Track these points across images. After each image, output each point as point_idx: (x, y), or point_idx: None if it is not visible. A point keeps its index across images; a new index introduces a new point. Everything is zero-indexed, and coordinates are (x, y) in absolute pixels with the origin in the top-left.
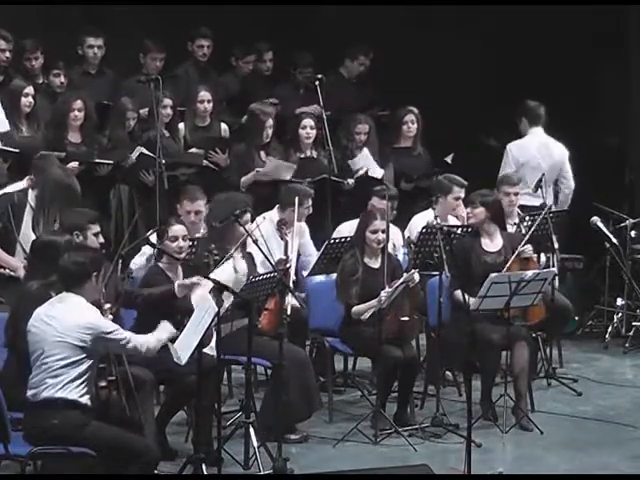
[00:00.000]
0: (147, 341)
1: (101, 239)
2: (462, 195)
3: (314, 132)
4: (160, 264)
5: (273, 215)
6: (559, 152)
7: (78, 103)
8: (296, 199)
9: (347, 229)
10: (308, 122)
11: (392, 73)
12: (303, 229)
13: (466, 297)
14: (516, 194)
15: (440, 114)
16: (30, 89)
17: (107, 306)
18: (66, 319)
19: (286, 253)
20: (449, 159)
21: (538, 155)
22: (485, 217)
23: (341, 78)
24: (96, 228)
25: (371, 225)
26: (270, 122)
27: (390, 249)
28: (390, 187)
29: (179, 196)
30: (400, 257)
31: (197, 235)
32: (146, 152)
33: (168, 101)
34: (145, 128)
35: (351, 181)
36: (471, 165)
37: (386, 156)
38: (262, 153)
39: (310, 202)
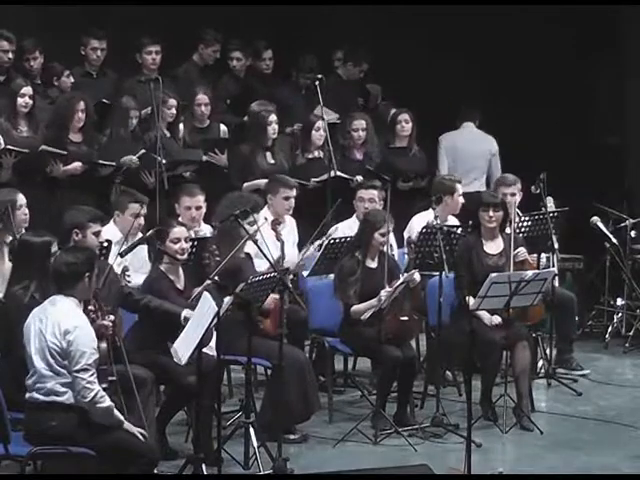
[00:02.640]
0: (104, 398)
1: (101, 238)
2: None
3: (325, 134)
4: (161, 267)
5: (267, 214)
6: None
7: (81, 104)
8: (280, 189)
9: (341, 230)
10: (322, 124)
11: (391, 73)
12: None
13: (466, 298)
14: (513, 194)
15: (438, 115)
16: (27, 89)
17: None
18: (52, 323)
19: (283, 253)
20: None
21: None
22: (501, 220)
23: (339, 79)
24: (97, 227)
25: (382, 228)
26: (273, 117)
27: (391, 248)
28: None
29: (177, 194)
30: (396, 257)
31: (200, 233)
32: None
33: (173, 102)
34: (146, 128)
35: (359, 178)
36: None
37: (383, 155)
38: (268, 154)
39: (293, 193)
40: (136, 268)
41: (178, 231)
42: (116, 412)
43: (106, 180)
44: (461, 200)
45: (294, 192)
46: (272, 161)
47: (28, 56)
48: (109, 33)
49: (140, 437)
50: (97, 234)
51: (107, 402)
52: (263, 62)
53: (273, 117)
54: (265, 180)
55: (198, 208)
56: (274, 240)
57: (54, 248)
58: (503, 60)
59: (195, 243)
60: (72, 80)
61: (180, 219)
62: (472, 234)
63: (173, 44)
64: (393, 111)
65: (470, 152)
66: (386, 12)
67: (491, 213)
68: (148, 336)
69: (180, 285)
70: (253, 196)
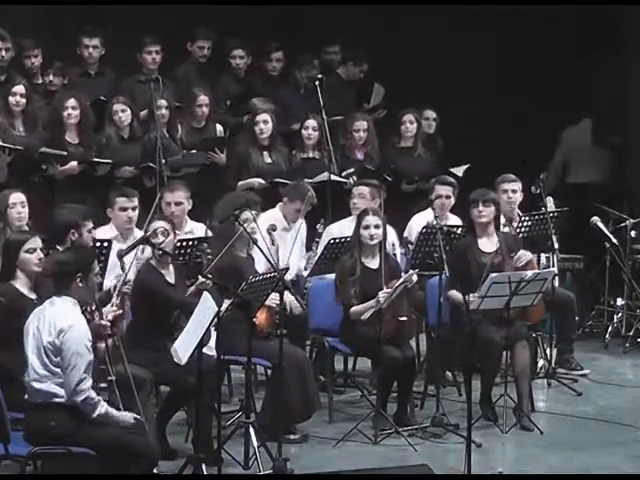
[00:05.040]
0: (97, 404)
1: (94, 234)
2: (444, 192)
3: (316, 133)
4: (152, 262)
5: (275, 214)
6: None
7: (71, 101)
8: (295, 200)
9: (336, 230)
10: (311, 123)
11: (392, 74)
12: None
13: (465, 297)
14: (514, 191)
15: (438, 114)
16: (18, 88)
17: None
18: (48, 322)
19: (277, 257)
20: (460, 172)
21: None
22: (494, 216)
23: (339, 79)
24: (89, 225)
25: (363, 221)
26: (264, 117)
27: (389, 249)
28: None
29: (161, 190)
30: (398, 257)
31: (186, 231)
32: (151, 164)
33: (162, 102)
34: (146, 129)
35: (353, 180)
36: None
37: (387, 155)
38: (265, 153)
39: (307, 208)
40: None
41: (155, 225)
42: (111, 412)
43: (105, 180)
44: (442, 201)
45: (309, 208)
46: (269, 160)
47: (29, 53)
48: (106, 32)
49: (132, 421)
50: (90, 231)
51: (98, 410)
52: (270, 63)
53: (261, 117)
54: (259, 179)
55: (178, 204)
56: (269, 245)
57: (31, 245)
58: (503, 60)
59: (193, 242)
60: (51, 78)
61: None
62: (468, 234)
63: (174, 44)
64: (399, 111)
65: (582, 146)
66: (385, 11)
67: (480, 208)
68: (146, 335)
69: (171, 279)
70: (247, 194)
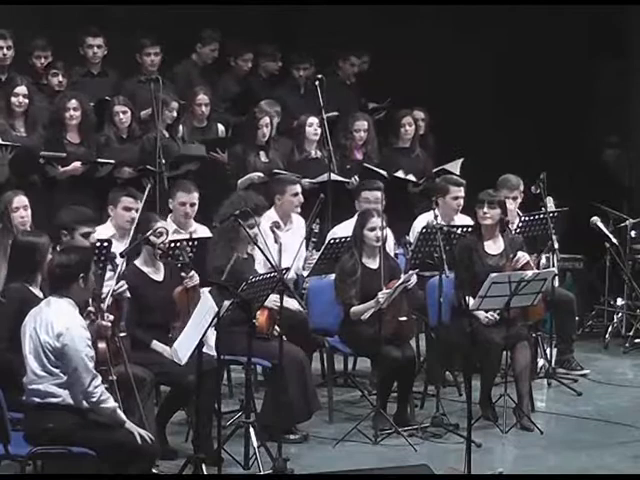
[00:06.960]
0: (109, 399)
1: (93, 239)
2: (461, 194)
3: (320, 130)
4: (136, 262)
5: (272, 214)
6: None
7: (73, 102)
8: (287, 187)
9: (341, 231)
10: (315, 120)
11: (392, 75)
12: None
13: (465, 298)
14: (515, 198)
15: (437, 116)
16: (21, 89)
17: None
18: (45, 323)
19: (280, 255)
20: (457, 168)
21: None
22: (499, 218)
23: (338, 79)
24: (84, 229)
25: (369, 223)
26: (266, 120)
27: (389, 249)
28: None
29: (171, 189)
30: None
31: (190, 230)
32: (150, 167)
33: (175, 104)
34: (145, 129)
35: (356, 179)
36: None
37: (385, 156)
38: (262, 153)
39: (299, 188)
40: None
41: (163, 224)
42: (119, 412)
43: (106, 181)
44: (458, 202)
45: (299, 187)
46: (266, 160)
47: (40, 54)
48: (108, 33)
49: (139, 439)
50: (86, 236)
51: (111, 402)
52: (268, 63)
53: (265, 120)
54: (257, 173)
55: (192, 205)
56: (272, 242)
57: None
58: (504, 59)
59: (195, 243)
60: (60, 79)
61: (172, 215)
62: (473, 234)
63: (174, 45)
64: (398, 112)
65: None
66: (384, 11)
67: (485, 209)
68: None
69: (158, 277)
70: (255, 198)
